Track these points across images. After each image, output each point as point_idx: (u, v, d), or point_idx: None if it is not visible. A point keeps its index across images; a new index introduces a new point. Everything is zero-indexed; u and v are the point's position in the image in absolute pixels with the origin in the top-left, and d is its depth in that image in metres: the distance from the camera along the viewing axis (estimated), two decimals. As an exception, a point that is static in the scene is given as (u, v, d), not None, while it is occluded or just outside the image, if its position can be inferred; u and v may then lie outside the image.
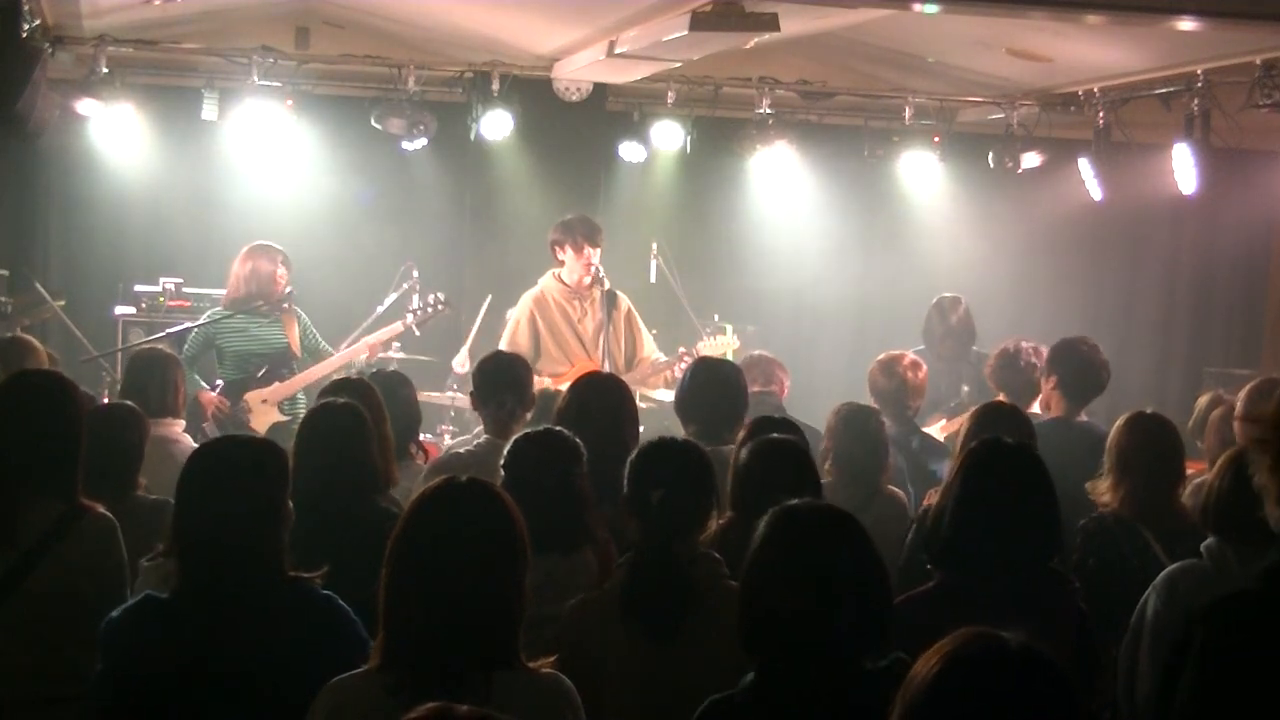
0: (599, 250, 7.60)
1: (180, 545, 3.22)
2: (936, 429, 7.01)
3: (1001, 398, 6.35)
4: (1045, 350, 6.57)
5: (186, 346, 7.53)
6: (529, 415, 5.29)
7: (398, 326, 7.81)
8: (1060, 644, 3.46)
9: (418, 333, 7.89)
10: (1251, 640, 2.50)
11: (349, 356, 7.62)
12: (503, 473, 3.89)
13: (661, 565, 3.52)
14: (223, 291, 8.04)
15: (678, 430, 5.41)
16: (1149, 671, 3.92)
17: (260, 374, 7.49)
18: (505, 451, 4.02)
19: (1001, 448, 3.64)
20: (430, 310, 7.87)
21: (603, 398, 4.89)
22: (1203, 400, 6.32)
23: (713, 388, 5.43)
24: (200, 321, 7.69)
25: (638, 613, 3.48)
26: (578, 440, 4.03)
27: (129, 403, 4.98)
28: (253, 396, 7.47)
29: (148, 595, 3.25)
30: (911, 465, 6.03)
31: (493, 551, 2.80)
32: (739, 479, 3.99)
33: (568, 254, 7.61)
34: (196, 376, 7.53)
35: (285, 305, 7.61)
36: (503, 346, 7.43)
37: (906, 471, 5.94)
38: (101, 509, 3.91)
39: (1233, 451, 4.10)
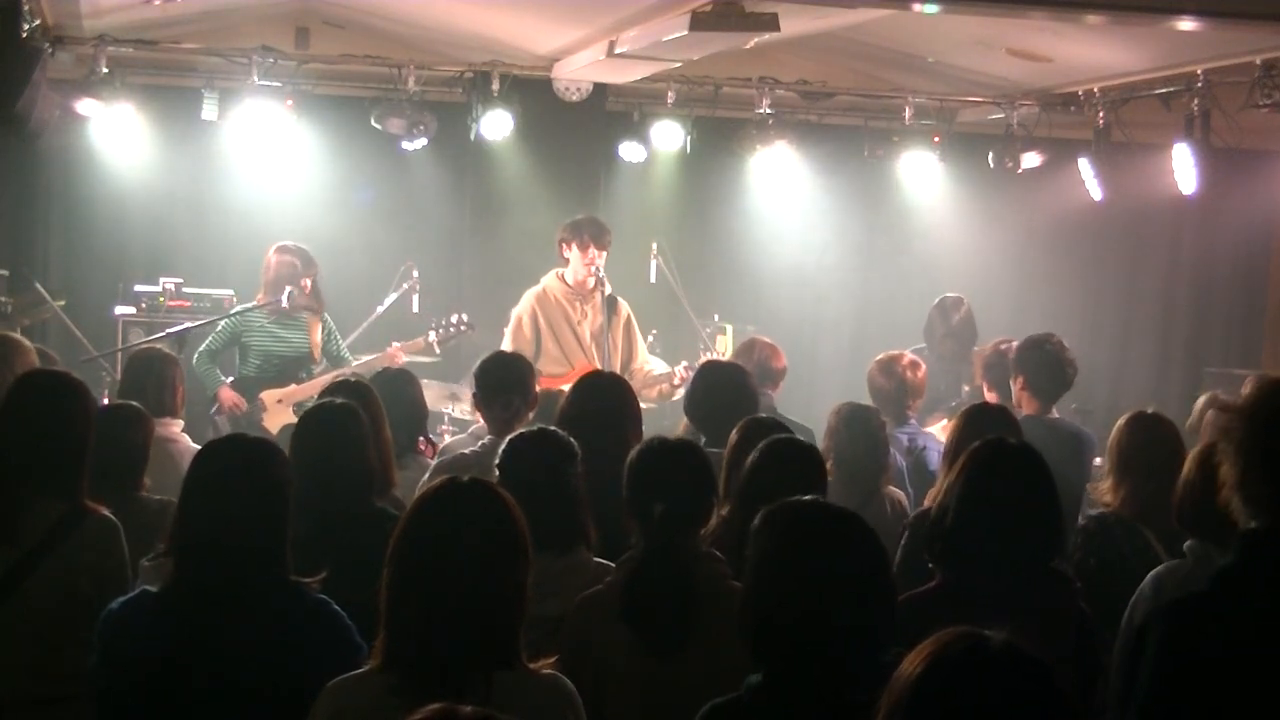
0: (604, 253, 7.58)
1: (181, 542, 3.22)
2: (938, 429, 7.02)
3: (990, 395, 6.37)
4: None
5: (211, 339, 7.57)
6: (531, 415, 5.29)
7: (419, 342, 7.84)
8: (1061, 644, 3.46)
9: (438, 350, 7.92)
10: (1201, 643, 2.51)
11: (375, 363, 7.61)
12: (497, 473, 3.88)
13: (663, 567, 3.52)
14: (223, 291, 8.06)
15: (677, 430, 5.41)
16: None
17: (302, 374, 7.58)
18: (500, 451, 4.01)
19: (1005, 448, 3.64)
20: (454, 330, 7.92)
21: (606, 397, 4.89)
22: (1201, 400, 6.33)
23: (721, 391, 5.44)
24: (230, 313, 7.71)
25: (639, 618, 3.48)
26: (572, 440, 4.02)
27: (134, 403, 4.97)
28: (268, 396, 7.50)
29: (144, 590, 3.26)
30: (911, 465, 6.03)
31: (494, 552, 2.80)
32: (749, 480, 3.98)
33: (573, 253, 7.60)
34: (218, 370, 7.55)
35: (308, 309, 7.61)
36: (506, 344, 7.44)
37: (906, 471, 5.94)
38: (105, 510, 3.90)
39: (1201, 448, 4.10)
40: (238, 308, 7.85)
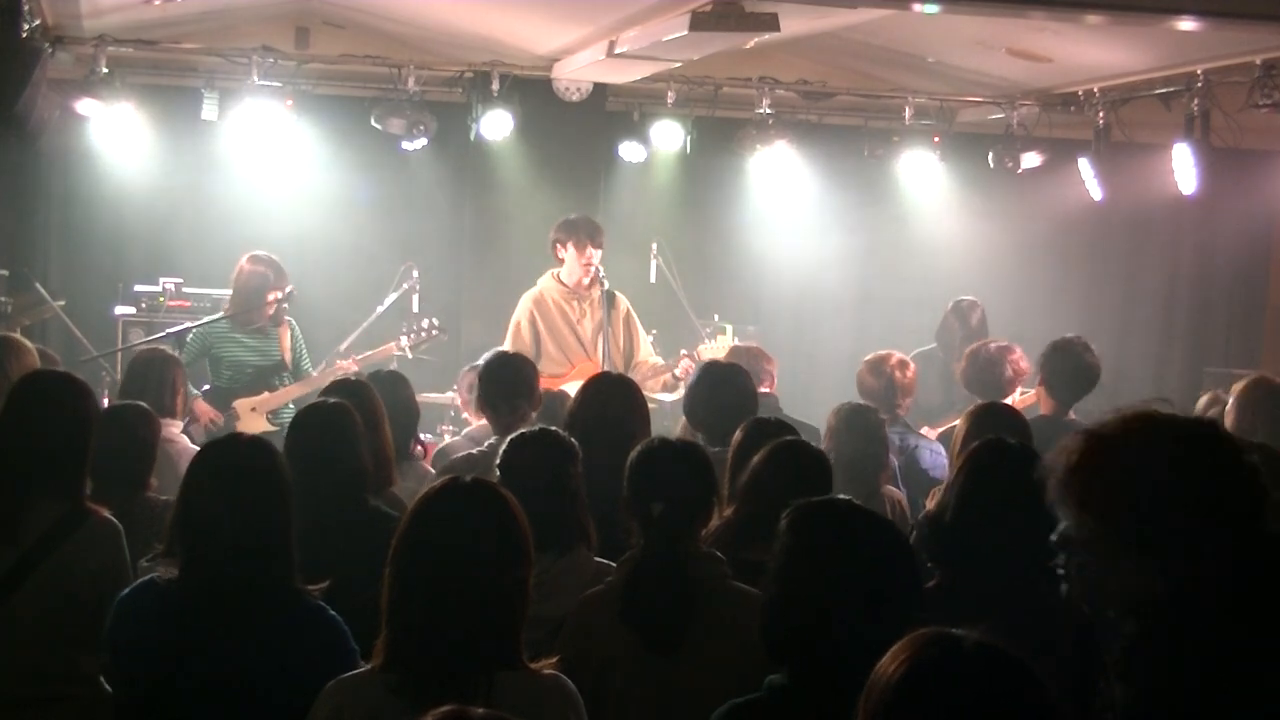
0: (600, 251, 7.60)
1: (187, 541, 3.22)
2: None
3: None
4: (1015, 350, 6.63)
5: (181, 352, 7.51)
6: (534, 415, 5.29)
7: (390, 347, 7.82)
8: (1059, 645, 3.46)
9: (410, 356, 7.90)
10: None
11: (327, 375, 7.56)
12: (498, 473, 3.88)
13: (663, 568, 3.51)
14: (223, 291, 8.05)
15: (676, 430, 5.41)
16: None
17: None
18: (500, 452, 4.02)
19: (1004, 447, 3.64)
20: (425, 335, 7.90)
21: (614, 399, 4.90)
22: (1202, 400, 6.34)
23: (722, 392, 5.43)
24: (201, 322, 7.69)
25: (638, 618, 3.48)
26: (572, 440, 4.03)
27: (141, 403, 4.98)
28: (242, 404, 7.47)
29: (153, 577, 3.27)
30: (904, 464, 6.03)
31: (496, 551, 2.80)
32: (752, 482, 3.98)
33: (569, 253, 7.61)
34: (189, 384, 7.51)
35: (274, 322, 7.60)
36: (506, 348, 7.44)
37: (899, 470, 5.94)
38: (106, 513, 3.90)
39: None
40: (202, 320, 7.76)
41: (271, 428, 7.36)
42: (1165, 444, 2.26)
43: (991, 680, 1.90)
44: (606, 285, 7.63)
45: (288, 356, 7.65)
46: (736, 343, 7.16)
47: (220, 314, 7.69)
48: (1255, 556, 2.21)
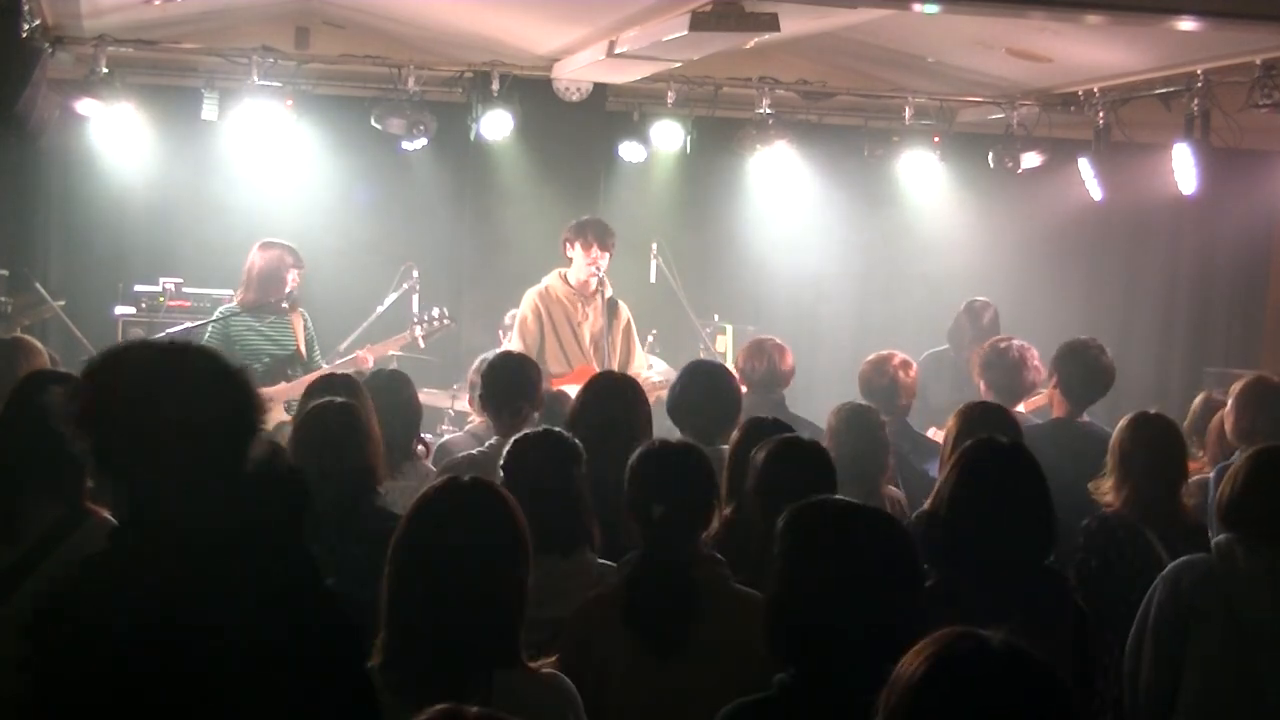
0: (607, 255, 7.57)
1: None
2: None
3: (987, 395, 6.35)
4: (1034, 350, 6.60)
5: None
6: (537, 415, 5.28)
7: (404, 337, 7.84)
8: (1057, 643, 3.46)
9: (423, 345, 7.94)
10: None
11: (343, 368, 7.59)
12: (501, 474, 3.88)
13: (663, 570, 3.51)
14: (223, 291, 8.03)
15: (676, 432, 5.41)
16: (1151, 666, 3.92)
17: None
18: (504, 452, 4.01)
19: (996, 447, 3.65)
20: (436, 325, 7.93)
21: (617, 400, 4.89)
22: (1197, 401, 6.35)
23: (705, 390, 5.43)
24: (213, 317, 7.68)
25: (639, 620, 3.48)
26: (576, 441, 4.02)
27: None
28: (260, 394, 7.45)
29: None
30: (902, 465, 6.03)
31: (494, 550, 2.80)
32: (760, 479, 3.98)
33: (576, 251, 7.59)
34: None
35: (289, 305, 7.61)
36: (514, 343, 7.45)
37: (898, 471, 5.94)
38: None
39: (1252, 451, 4.10)
40: (221, 308, 7.79)
41: (287, 417, 7.37)
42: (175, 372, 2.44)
43: (1015, 680, 1.90)
44: (610, 293, 7.62)
45: (301, 346, 7.65)
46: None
47: (235, 303, 7.67)
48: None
